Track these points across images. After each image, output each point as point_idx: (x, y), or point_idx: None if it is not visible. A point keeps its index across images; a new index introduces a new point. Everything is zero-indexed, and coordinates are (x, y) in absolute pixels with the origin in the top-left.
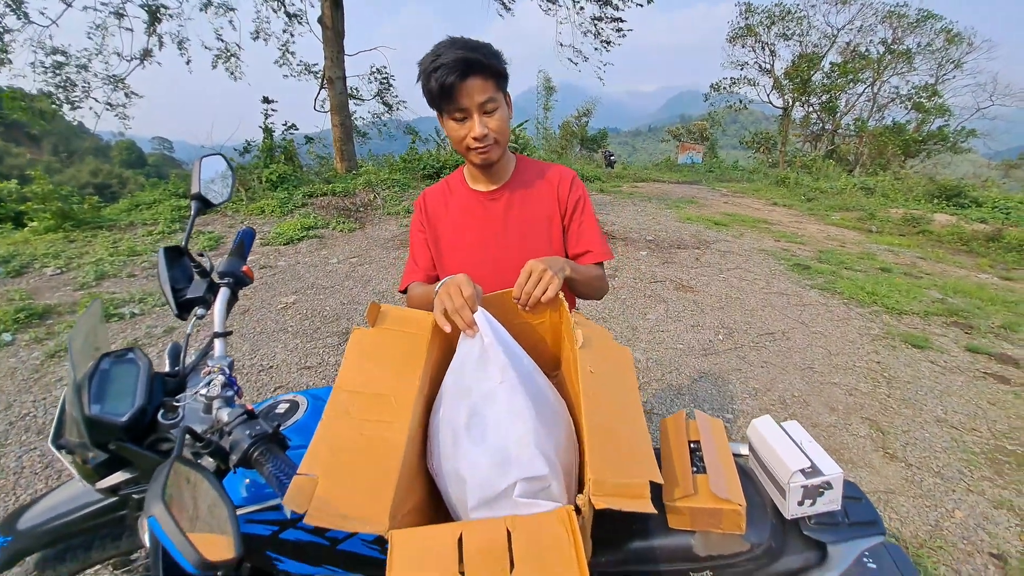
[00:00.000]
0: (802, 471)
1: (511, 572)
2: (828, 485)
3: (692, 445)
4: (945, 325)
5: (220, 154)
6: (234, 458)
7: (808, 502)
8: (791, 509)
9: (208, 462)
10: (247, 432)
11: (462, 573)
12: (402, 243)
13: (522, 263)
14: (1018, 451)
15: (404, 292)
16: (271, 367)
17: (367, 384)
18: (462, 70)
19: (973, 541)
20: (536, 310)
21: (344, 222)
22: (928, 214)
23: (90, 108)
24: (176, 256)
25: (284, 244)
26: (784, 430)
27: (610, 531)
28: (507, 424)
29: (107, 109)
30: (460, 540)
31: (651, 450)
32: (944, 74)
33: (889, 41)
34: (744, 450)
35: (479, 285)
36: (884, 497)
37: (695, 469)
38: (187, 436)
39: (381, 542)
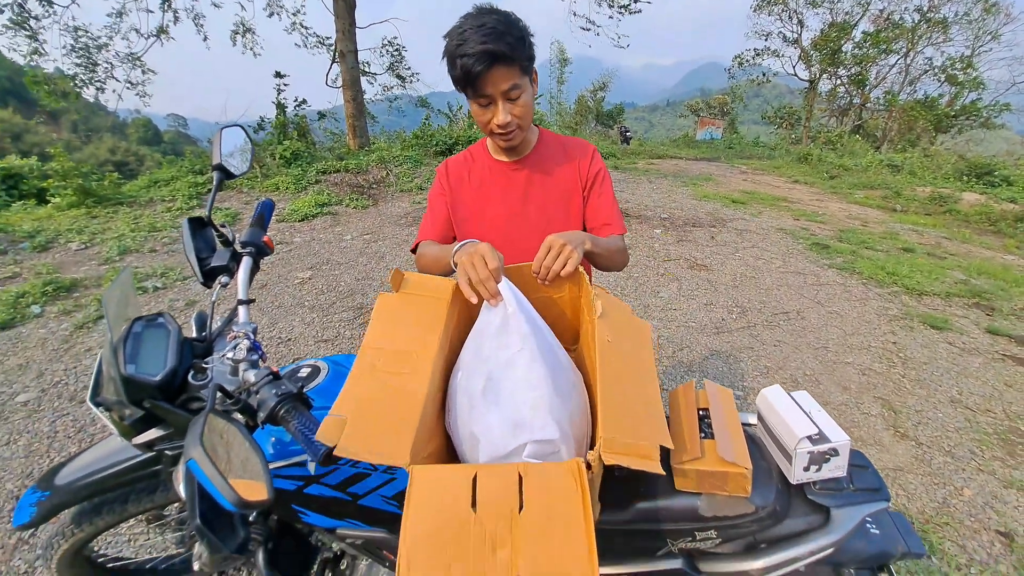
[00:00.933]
0: (809, 438)
1: (519, 513)
2: (834, 452)
3: (701, 412)
4: (967, 306)
5: (239, 126)
6: (262, 415)
7: (814, 468)
8: (796, 474)
9: (237, 418)
10: (273, 391)
11: (474, 508)
12: (415, 220)
13: (541, 234)
14: None
15: (414, 251)
16: (289, 339)
17: (392, 343)
18: (488, 62)
19: (980, 519)
20: (556, 283)
21: (357, 199)
22: (956, 193)
23: (113, 90)
24: (200, 226)
25: (299, 221)
26: (793, 399)
27: (618, 492)
28: (523, 390)
29: (128, 88)
30: (475, 480)
31: (663, 416)
32: (980, 45)
33: (925, 9)
34: (753, 419)
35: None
36: (892, 474)
37: (703, 435)
38: (217, 394)
39: (400, 498)
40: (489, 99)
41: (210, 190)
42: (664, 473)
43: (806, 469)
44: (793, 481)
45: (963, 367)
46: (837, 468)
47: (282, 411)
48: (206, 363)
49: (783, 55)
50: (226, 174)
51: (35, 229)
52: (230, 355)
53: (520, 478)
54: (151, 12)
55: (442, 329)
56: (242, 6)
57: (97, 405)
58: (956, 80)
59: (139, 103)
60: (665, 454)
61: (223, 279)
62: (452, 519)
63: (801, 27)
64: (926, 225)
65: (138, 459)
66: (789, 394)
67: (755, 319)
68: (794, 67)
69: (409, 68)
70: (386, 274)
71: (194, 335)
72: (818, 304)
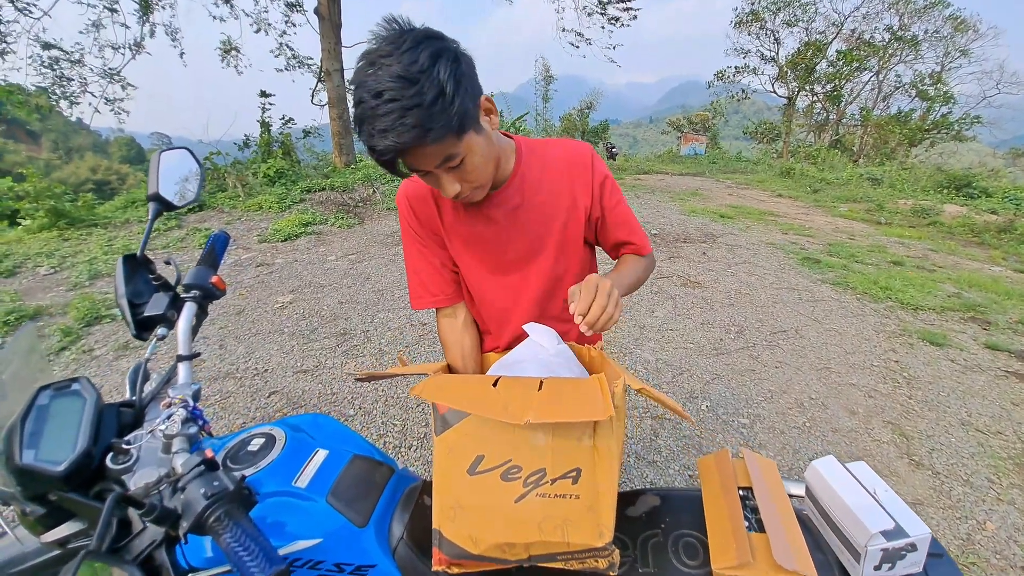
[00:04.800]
0: (883, 532)
1: (539, 389)
2: (912, 547)
3: (742, 492)
4: (962, 321)
5: (186, 148)
6: (184, 525)
7: (887, 566)
8: (865, 574)
9: (157, 528)
10: (202, 490)
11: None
12: (401, 239)
13: (539, 264)
14: None
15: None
16: (266, 371)
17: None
18: (395, 152)
19: (1006, 555)
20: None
21: (343, 218)
22: (938, 205)
23: (89, 104)
24: (137, 266)
25: (282, 241)
26: (851, 473)
27: None
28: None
29: (105, 103)
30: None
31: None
32: (950, 62)
33: (895, 28)
34: (798, 490)
35: (501, 304)
36: (913, 509)
37: (748, 525)
38: (121, 503)
39: None
40: (427, 175)
41: (189, 210)
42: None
43: (877, 568)
44: None
45: (968, 386)
46: (913, 564)
47: (211, 519)
48: (129, 441)
49: (762, 72)
50: (165, 205)
51: (3, 253)
52: (161, 428)
53: (540, 382)
54: (127, 27)
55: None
56: (222, 19)
57: None
58: (927, 95)
59: (120, 121)
60: (702, 553)
61: (160, 331)
62: (472, 383)
63: (779, 45)
64: (911, 237)
65: (53, 555)
66: (845, 466)
67: (754, 338)
68: (772, 84)
69: None
70: (372, 296)
71: (127, 396)
72: (815, 321)
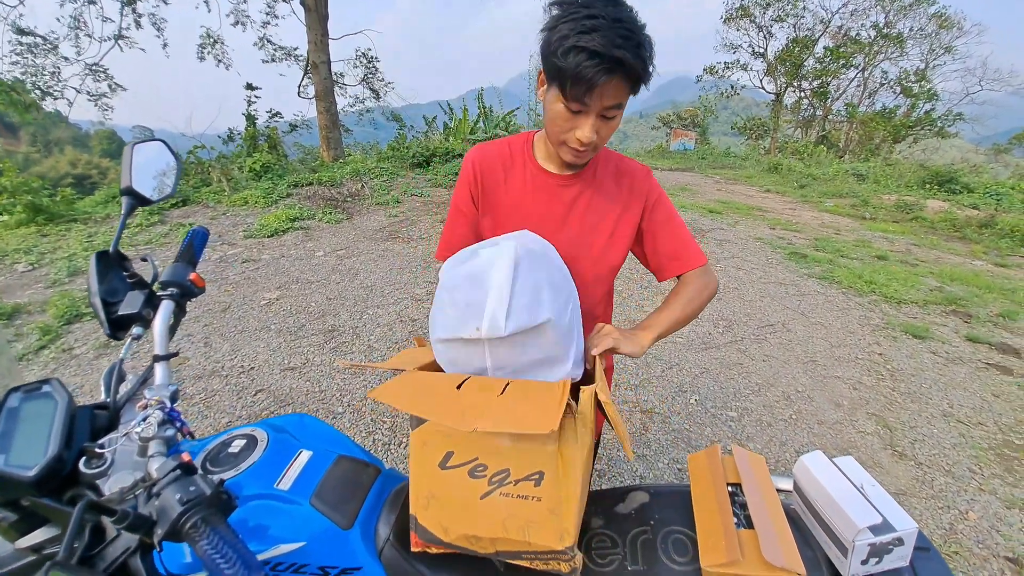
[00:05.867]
0: (870, 527)
1: (501, 393)
2: (899, 541)
3: (731, 489)
4: (944, 314)
5: (160, 140)
6: (159, 532)
7: (874, 560)
8: (852, 568)
9: (129, 537)
10: (177, 496)
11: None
12: (390, 234)
13: (575, 257)
14: None
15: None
16: (252, 368)
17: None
18: (612, 71)
19: (988, 544)
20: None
21: (331, 213)
22: (921, 200)
23: (66, 98)
24: (111, 263)
25: (268, 236)
26: (839, 469)
27: None
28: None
29: (89, 99)
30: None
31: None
32: (934, 59)
33: (881, 25)
34: (786, 484)
35: None
36: (897, 499)
37: (737, 522)
38: (92, 510)
39: None
40: (584, 109)
41: (172, 204)
42: None
43: (864, 562)
44: None
45: (950, 378)
46: (900, 559)
47: (187, 525)
48: (103, 445)
49: (751, 68)
50: (139, 200)
51: None
52: (137, 431)
53: (506, 384)
54: (109, 20)
55: None
56: (207, 6)
57: None
58: (911, 92)
59: (107, 117)
60: (691, 550)
61: (135, 330)
62: (435, 385)
63: (768, 37)
64: (895, 232)
65: (28, 561)
66: (833, 461)
67: (741, 333)
68: (761, 80)
69: (383, 80)
70: (360, 292)
71: (102, 398)
72: (802, 315)
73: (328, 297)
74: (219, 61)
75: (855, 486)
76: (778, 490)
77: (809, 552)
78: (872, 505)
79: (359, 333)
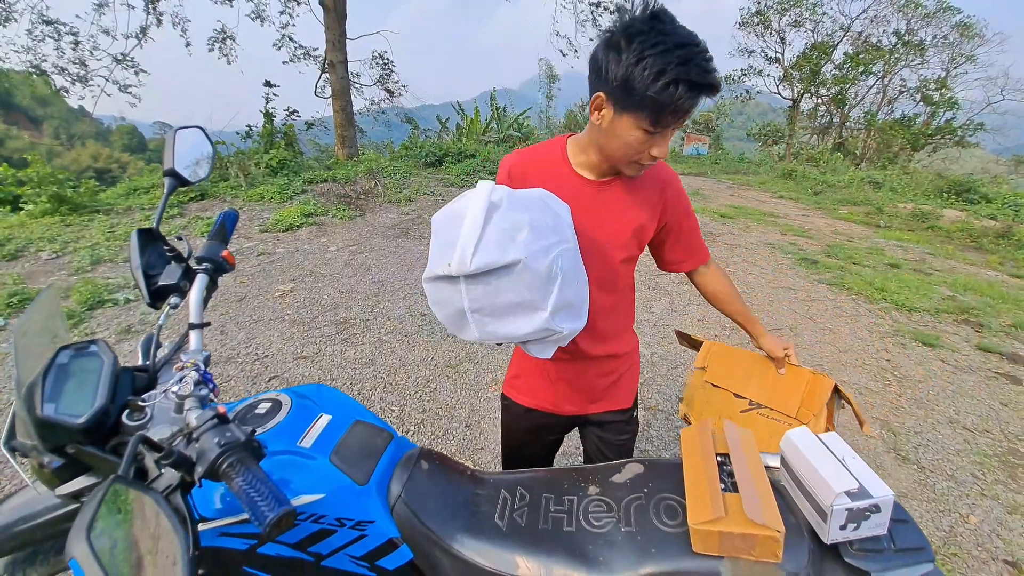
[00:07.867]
0: (847, 493)
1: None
2: (876, 508)
3: (719, 458)
4: (956, 323)
5: (199, 127)
6: (199, 470)
7: (852, 526)
8: (832, 534)
9: (165, 478)
10: (215, 440)
11: None
12: (402, 231)
13: (596, 256)
14: None
15: None
16: (266, 356)
17: None
18: (702, 96)
19: (988, 548)
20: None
21: (344, 209)
22: (937, 209)
23: (90, 93)
24: (152, 240)
25: (283, 231)
26: (823, 442)
27: (627, 553)
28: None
29: (118, 89)
30: None
31: None
32: (955, 67)
33: (903, 32)
34: (774, 461)
35: None
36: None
37: (724, 487)
38: (143, 446)
39: (370, 558)
40: (665, 130)
41: (191, 198)
42: None
43: (842, 527)
44: (827, 541)
45: (958, 386)
46: (878, 526)
47: (224, 465)
48: (145, 399)
49: (767, 74)
50: (180, 181)
51: (5, 237)
52: (174, 389)
53: None
54: (132, 7)
55: None
56: (228, 2)
57: (12, 451)
58: (931, 100)
59: (124, 108)
60: (681, 514)
61: (173, 300)
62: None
63: (784, 44)
64: (910, 241)
65: (69, 508)
66: (819, 437)
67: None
68: (777, 86)
69: (398, 81)
70: (372, 287)
71: (140, 362)
72: (810, 320)
73: (340, 291)
74: (224, 56)
75: (837, 458)
76: (767, 467)
77: (792, 520)
78: (851, 473)
79: (370, 326)
